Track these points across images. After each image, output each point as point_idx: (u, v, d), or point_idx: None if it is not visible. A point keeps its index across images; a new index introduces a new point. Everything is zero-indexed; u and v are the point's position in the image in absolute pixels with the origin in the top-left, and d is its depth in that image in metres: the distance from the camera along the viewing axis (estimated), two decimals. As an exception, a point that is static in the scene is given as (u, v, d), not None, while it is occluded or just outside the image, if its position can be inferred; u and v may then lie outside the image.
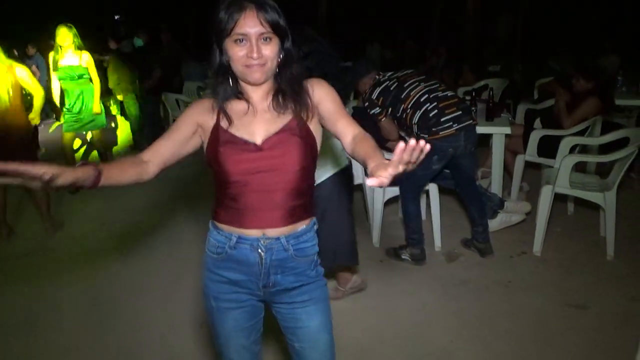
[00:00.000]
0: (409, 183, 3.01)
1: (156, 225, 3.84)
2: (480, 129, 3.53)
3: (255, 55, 1.20)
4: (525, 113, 4.72)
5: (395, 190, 3.26)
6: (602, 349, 2.29)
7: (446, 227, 3.42)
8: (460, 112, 2.82)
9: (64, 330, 2.60)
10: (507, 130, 3.44)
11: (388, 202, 3.38)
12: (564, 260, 3.11)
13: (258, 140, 1.27)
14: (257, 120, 1.29)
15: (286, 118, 1.28)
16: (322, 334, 1.38)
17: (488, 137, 4.03)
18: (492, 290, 2.82)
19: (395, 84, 2.93)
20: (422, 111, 2.81)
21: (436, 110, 2.79)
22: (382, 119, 3.05)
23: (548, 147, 3.66)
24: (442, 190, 3.33)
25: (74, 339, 2.52)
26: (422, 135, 2.81)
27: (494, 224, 3.44)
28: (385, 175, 0.92)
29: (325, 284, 1.44)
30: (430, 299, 2.76)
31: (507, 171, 3.84)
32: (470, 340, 2.40)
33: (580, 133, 3.64)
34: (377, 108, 3.01)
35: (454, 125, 2.78)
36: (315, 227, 1.39)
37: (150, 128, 5.97)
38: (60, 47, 4.33)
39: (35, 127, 4.59)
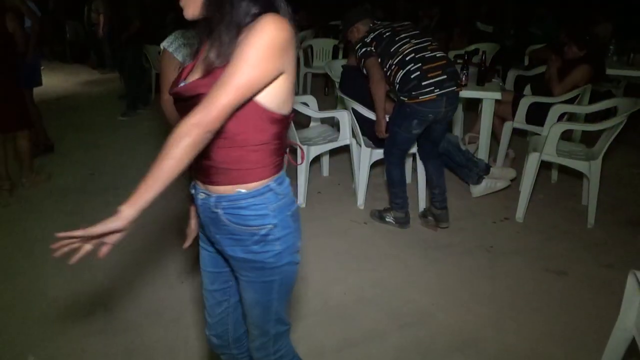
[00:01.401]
0: (392, 147, 2.96)
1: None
2: (471, 94, 3.50)
3: None
4: (515, 79, 4.68)
5: (381, 153, 3.23)
6: (579, 314, 2.34)
7: (431, 191, 3.41)
8: (445, 76, 2.67)
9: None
10: (498, 95, 3.39)
11: (374, 165, 3.34)
12: (545, 227, 3.15)
13: (182, 84, 1.19)
14: (197, 66, 1.21)
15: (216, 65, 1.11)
16: (255, 309, 1.32)
17: (477, 102, 4.00)
18: (473, 255, 2.85)
19: (389, 34, 2.78)
20: (404, 71, 2.68)
21: (418, 72, 2.65)
22: (371, 58, 2.81)
23: (536, 115, 3.64)
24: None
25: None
26: (402, 97, 2.72)
27: (479, 189, 3.46)
28: None
29: (277, 266, 1.28)
30: (413, 262, 2.78)
31: (494, 137, 3.82)
32: (450, 302, 2.43)
33: (570, 102, 3.62)
34: (370, 48, 2.82)
35: (435, 91, 2.65)
36: (265, 196, 1.21)
37: (131, 81, 5.78)
38: None
39: None
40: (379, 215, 3.19)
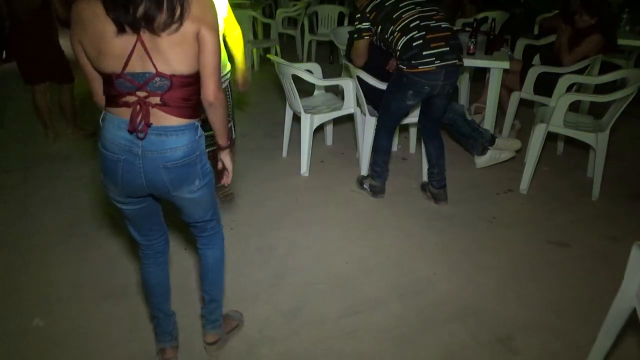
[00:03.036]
0: (384, 115, 2.91)
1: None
2: (479, 63, 3.42)
3: None
4: (524, 49, 4.58)
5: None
6: (579, 285, 2.35)
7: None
8: (448, 48, 2.58)
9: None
10: (506, 65, 3.32)
11: (379, 134, 3.31)
12: (549, 199, 3.14)
13: None
14: None
15: None
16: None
17: (484, 71, 3.93)
18: (476, 226, 2.85)
19: (393, 0, 2.67)
20: (407, 38, 2.59)
21: (421, 41, 2.56)
22: (365, 38, 2.76)
23: (545, 85, 3.57)
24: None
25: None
26: (401, 65, 2.65)
27: (483, 160, 3.43)
28: None
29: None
30: (415, 232, 2.79)
31: (500, 108, 3.76)
32: (452, 272, 2.44)
33: (579, 72, 3.55)
34: (367, 23, 2.73)
35: (435, 62, 2.56)
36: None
37: None
38: None
39: None
40: (360, 181, 3.22)
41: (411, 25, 2.59)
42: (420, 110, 2.98)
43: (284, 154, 3.70)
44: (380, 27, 2.69)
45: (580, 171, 3.47)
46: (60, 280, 2.36)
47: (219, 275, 1.86)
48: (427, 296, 2.28)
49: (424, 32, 2.57)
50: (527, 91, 3.70)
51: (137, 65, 1.35)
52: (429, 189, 3.10)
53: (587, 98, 3.47)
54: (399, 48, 2.63)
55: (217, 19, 1.41)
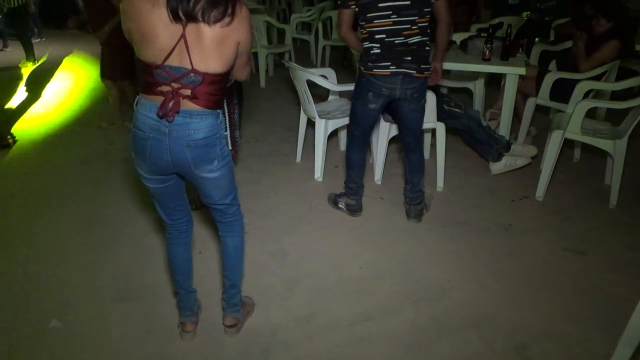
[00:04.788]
0: (352, 125, 2.81)
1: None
2: (494, 69, 3.41)
3: None
4: (540, 54, 4.55)
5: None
6: (597, 295, 2.32)
7: (448, 168, 3.37)
8: (409, 57, 2.46)
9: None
10: (522, 71, 3.30)
11: (392, 140, 3.31)
12: (566, 207, 3.11)
13: None
14: None
15: None
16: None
17: (499, 77, 3.91)
18: (491, 232, 2.83)
19: None
20: (368, 45, 2.51)
21: (379, 51, 2.47)
22: (351, 7, 2.51)
23: (561, 91, 3.54)
24: (449, 131, 3.25)
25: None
26: (360, 65, 2.60)
27: (498, 167, 3.41)
28: None
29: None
30: (429, 238, 2.78)
31: (516, 114, 3.74)
32: (466, 279, 2.43)
33: (597, 78, 3.51)
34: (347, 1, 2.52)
35: (390, 67, 2.47)
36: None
37: None
38: None
39: None
40: (334, 200, 3.07)
41: (376, 37, 2.48)
42: (396, 121, 2.89)
43: (298, 159, 3.72)
44: (358, 10, 2.54)
45: (598, 178, 3.43)
46: (76, 282, 2.39)
47: (239, 262, 2.00)
48: (441, 303, 2.26)
49: (385, 47, 2.47)
50: (543, 97, 3.67)
51: (176, 59, 1.50)
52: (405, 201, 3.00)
53: (604, 105, 3.44)
54: (363, 47, 2.56)
55: (252, 32, 1.63)
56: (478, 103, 4.25)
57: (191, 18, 1.45)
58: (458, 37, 3.96)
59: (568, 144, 3.38)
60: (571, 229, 2.87)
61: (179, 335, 2.03)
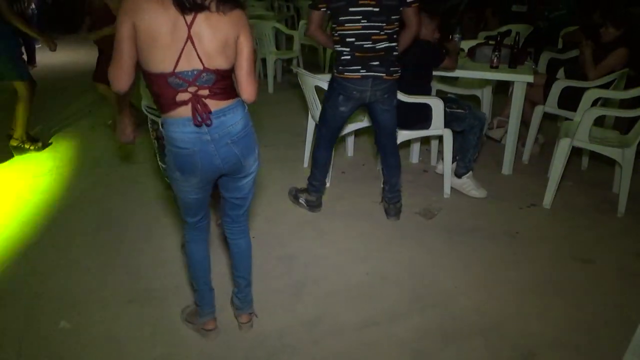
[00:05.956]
0: (322, 127, 2.91)
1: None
2: (502, 76, 3.42)
3: None
4: (548, 62, 4.55)
5: (406, 135, 3.20)
6: (605, 304, 2.31)
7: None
8: (377, 62, 2.58)
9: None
10: (530, 78, 3.30)
11: (400, 146, 3.30)
12: (573, 215, 3.10)
13: None
14: None
15: None
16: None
17: (507, 84, 3.91)
18: (498, 240, 2.82)
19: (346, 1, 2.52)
20: (340, 49, 2.61)
21: (349, 57, 2.59)
22: (321, 10, 2.62)
23: (569, 99, 3.54)
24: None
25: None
26: (333, 70, 2.69)
27: (457, 182, 3.32)
28: None
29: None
30: (436, 245, 2.78)
31: (523, 122, 3.74)
32: (473, 286, 2.42)
33: (605, 86, 3.51)
34: (318, 2, 2.62)
35: (361, 71, 2.58)
36: None
37: None
38: None
39: None
40: (295, 195, 3.17)
41: (347, 40, 2.58)
42: (372, 124, 2.94)
43: (305, 164, 3.73)
44: (330, 13, 2.63)
45: (605, 187, 3.42)
46: (85, 283, 2.41)
47: (251, 260, 2.07)
48: (448, 309, 2.26)
49: (355, 51, 2.58)
50: (551, 105, 3.67)
51: (185, 64, 1.51)
52: (383, 201, 3.07)
53: (613, 113, 3.43)
54: (335, 51, 2.66)
55: (252, 31, 1.64)
56: (486, 110, 4.25)
57: (200, 9, 1.48)
58: (466, 45, 3.97)
59: (576, 152, 3.37)
60: (579, 237, 2.86)
61: (202, 335, 2.06)
